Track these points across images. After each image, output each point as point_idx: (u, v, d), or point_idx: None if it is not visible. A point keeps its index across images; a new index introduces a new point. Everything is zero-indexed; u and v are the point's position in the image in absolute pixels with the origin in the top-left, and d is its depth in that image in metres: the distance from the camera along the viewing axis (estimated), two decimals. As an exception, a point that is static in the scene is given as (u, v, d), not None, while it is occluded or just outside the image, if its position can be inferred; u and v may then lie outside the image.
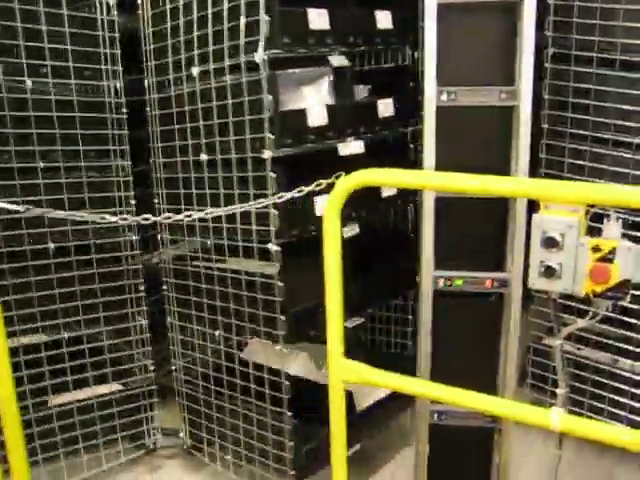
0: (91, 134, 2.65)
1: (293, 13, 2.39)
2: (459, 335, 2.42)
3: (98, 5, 2.57)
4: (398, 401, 2.98)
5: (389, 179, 1.91)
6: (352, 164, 2.58)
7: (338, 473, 2.02)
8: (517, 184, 1.82)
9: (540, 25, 2.52)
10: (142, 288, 2.85)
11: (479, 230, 2.33)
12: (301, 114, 2.42)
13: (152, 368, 2.94)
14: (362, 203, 2.65)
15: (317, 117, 2.45)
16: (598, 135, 2.71)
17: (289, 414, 2.60)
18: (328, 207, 1.83)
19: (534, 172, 2.72)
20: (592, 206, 1.67)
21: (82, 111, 2.61)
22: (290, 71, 2.51)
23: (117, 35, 2.63)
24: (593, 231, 1.67)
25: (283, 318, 2.49)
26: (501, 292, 2.35)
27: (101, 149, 2.69)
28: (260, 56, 2.29)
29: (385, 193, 2.79)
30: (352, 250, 2.76)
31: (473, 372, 2.32)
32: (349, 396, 2.77)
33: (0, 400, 2.10)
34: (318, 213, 2.44)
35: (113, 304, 2.79)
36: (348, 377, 1.91)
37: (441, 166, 2.21)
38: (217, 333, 2.76)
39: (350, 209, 2.57)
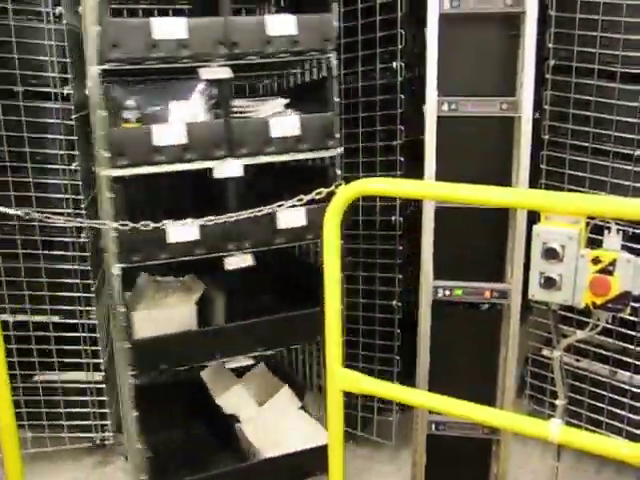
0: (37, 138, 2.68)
1: (128, 24, 2.25)
2: (458, 345, 2.42)
3: (45, 15, 2.56)
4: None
5: (389, 189, 1.90)
6: (231, 188, 2.51)
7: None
8: (518, 195, 1.82)
9: (541, 37, 2.53)
10: (92, 289, 2.83)
11: (479, 241, 2.34)
12: (143, 133, 2.25)
13: (103, 367, 2.92)
14: (255, 234, 2.45)
15: (170, 135, 2.27)
16: (598, 147, 2.71)
17: (138, 447, 2.45)
18: (327, 217, 1.82)
19: (534, 183, 2.72)
20: (592, 218, 1.66)
21: (32, 116, 2.65)
22: (138, 86, 2.39)
23: (66, 44, 2.60)
24: (594, 243, 1.67)
25: (128, 345, 2.35)
26: (500, 303, 2.35)
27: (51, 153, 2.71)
28: (94, 70, 2.20)
29: (284, 224, 2.47)
30: (241, 285, 2.71)
31: (472, 383, 2.32)
32: (241, 439, 2.67)
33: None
34: (171, 240, 2.32)
35: (62, 299, 2.83)
36: (346, 386, 1.91)
37: (441, 176, 2.21)
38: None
39: (241, 239, 2.44)
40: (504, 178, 2.25)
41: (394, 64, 2.74)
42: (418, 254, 2.36)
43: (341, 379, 1.91)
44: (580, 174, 2.75)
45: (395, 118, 2.79)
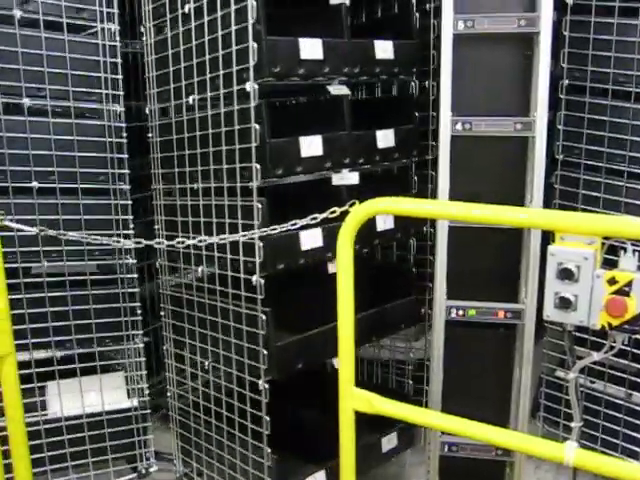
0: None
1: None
2: (471, 366, 2.40)
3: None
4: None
5: (402, 208, 1.90)
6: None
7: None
8: (532, 215, 1.81)
9: (555, 56, 2.53)
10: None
11: (493, 260, 2.32)
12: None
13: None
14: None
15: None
16: (613, 167, 2.70)
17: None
18: (341, 236, 1.83)
19: (548, 203, 2.71)
20: (608, 238, 1.65)
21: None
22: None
23: None
24: (609, 263, 1.66)
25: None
26: (514, 323, 2.33)
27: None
28: None
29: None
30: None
31: (485, 404, 2.30)
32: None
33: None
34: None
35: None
36: (359, 406, 1.90)
37: (455, 195, 2.21)
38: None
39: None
40: (518, 198, 2.24)
41: (247, 85, 2.19)
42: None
43: (354, 399, 1.90)
44: (594, 194, 2.74)
45: (249, 154, 2.22)
